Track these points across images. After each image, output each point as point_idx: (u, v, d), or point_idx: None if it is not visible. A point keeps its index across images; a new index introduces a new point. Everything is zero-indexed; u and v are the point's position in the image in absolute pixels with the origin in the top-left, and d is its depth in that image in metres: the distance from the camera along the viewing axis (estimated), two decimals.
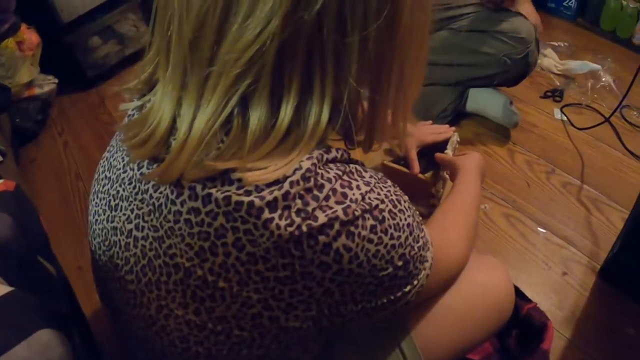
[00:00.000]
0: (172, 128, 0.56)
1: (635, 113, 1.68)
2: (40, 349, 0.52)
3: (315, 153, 0.54)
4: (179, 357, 0.64)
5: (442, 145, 1.28)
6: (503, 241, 1.36)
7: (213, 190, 0.53)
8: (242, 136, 0.52)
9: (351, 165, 0.58)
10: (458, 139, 1.30)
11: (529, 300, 1.09)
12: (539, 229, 1.38)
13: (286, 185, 0.52)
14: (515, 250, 1.34)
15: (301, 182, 0.52)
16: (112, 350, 1.03)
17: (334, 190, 0.54)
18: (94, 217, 0.69)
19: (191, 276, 0.56)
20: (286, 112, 0.52)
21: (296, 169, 0.52)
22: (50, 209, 1.56)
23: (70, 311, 0.66)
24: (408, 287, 0.63)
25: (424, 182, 1.27)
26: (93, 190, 0.71)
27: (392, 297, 0.62)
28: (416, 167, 1.27)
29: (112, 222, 0.64)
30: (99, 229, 0.68)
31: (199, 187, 0.53)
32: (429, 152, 1.26)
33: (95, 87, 2.02)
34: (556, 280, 1.26)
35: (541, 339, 1.00)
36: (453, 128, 1.31)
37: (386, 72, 0.58)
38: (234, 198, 0.52)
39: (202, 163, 0.52)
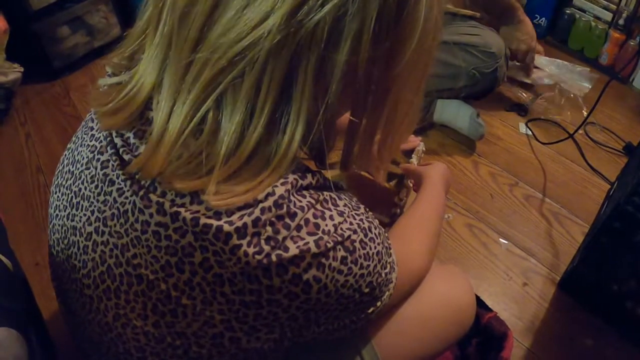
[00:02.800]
0: (149, 101, 0.54)
1: (598, 130, 1.72)
2: None
3: (291, 178, 0.52)
4: None
5: (407, 154, 1.29)
6: (465, 251, 1.38)
7: (182, 210, 0.50)
8: (213, 141, 0.50)
9: (325, 193, 0.56)
10: (424, 149, 1.30)
11: (489, 310, 1.11)
12: (500, 240, 1.41)
13: (257, 211, 0.50)
14: (476, 260, 1.36)
15: (273, 209, 0.50)
16: (67, 350, 1.01)
17: (307, 221, 0.52)
18: (54, 211, 0.66)
19: (154, 289, 0.54)
20: (259, 121, 0.49)
21: (269, 194, 0.50)
22: (8, 202, 1.51)
23: (26, 309, 0.64)
24: (371, 309, 0.64)
25: (388, 190, 1.27)
26: (55, 183, 0.68)
27: (354, 319, 0.63)
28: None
29: (72, 220, 0.62)
30: (58, 224, 0.65)
31: (167, 204, 0.51)
32: (394, 161, 1.27)
33: (61, 78, 1.96)
34: (517, 291, 1.28)
35: (501, 348, 1.02)
36: (419, 138, 1.32)
37: (376, 101, 0.58)
38: (202, 220, 0.50)
39: (173, 174, 0.50)
